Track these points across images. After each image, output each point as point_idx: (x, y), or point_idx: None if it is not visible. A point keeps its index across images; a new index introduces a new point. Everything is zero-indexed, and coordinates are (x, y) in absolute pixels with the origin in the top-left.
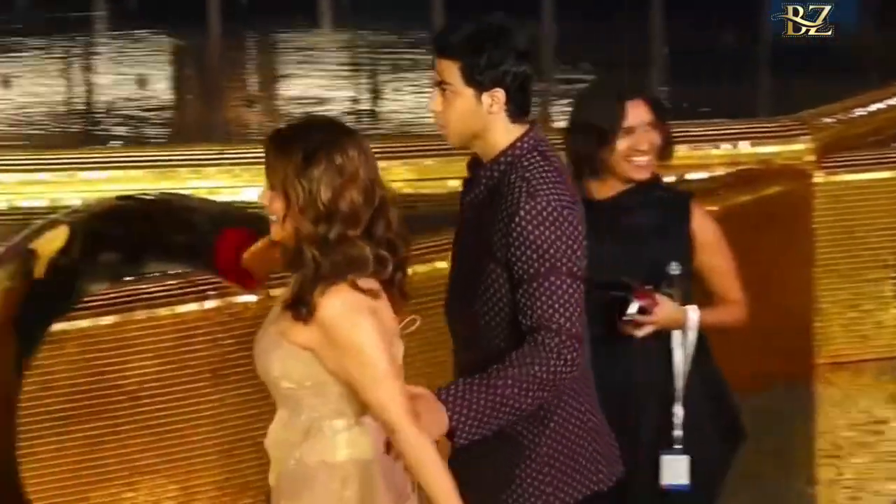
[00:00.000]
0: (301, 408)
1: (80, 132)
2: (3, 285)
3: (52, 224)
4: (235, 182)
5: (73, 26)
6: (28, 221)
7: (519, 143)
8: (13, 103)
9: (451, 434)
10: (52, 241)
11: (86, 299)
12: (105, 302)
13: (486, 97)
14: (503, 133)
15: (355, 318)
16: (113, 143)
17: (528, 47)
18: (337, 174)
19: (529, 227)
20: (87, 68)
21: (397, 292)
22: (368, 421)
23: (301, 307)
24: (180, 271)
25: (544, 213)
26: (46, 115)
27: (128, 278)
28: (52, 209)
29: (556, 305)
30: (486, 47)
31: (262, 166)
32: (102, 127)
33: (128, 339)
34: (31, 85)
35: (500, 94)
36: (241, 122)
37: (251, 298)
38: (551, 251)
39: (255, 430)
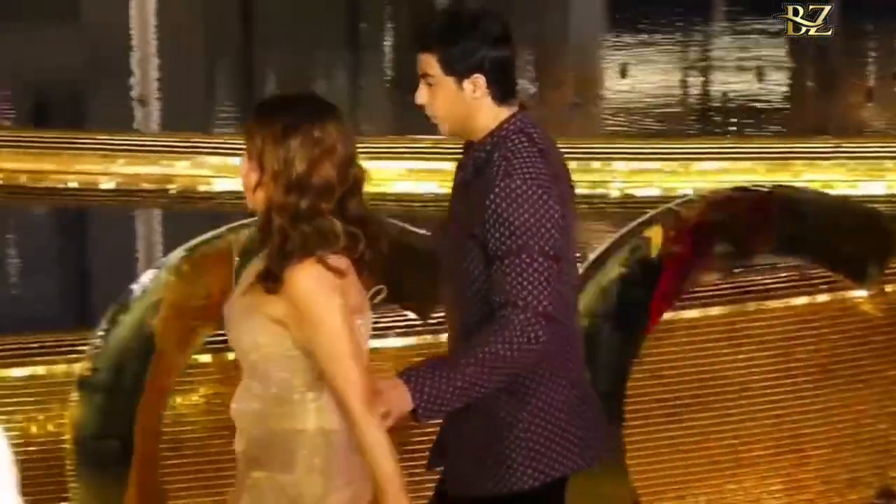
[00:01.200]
0: (270, 379)
1: (694, 123)
2: (616, 272)
3: (667, 213)
4: (851, 176)
5: (689, 15)
6: (641, 210)
7: (505, 125)
8: (630, 92)
9: (413, 412)
10: (665, 230)
11: (696, 289)
12: (716, 292)
13: (467, 84)
14: (490, 117)
15: (323, 295)
16: (727, 134)
17: (503, 32)
18: (314, 146)
19: (503, 205)
20: (702, 58)
21: (367, 270)
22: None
23: (270, 280)
24: (792, 264)
25: (518, 192)
26: (661, 104)
27: (738, 270)
28: (666, 198)
29: (525, 283)
30: (461, 36)
31: (878, 160)
32: (717, 118)
33: (736, 330)
34: (648, 74)
35: (480, 79)
36: (857, 116)
37: (862, 294)
38: (522, 229)
39: (865, 427)
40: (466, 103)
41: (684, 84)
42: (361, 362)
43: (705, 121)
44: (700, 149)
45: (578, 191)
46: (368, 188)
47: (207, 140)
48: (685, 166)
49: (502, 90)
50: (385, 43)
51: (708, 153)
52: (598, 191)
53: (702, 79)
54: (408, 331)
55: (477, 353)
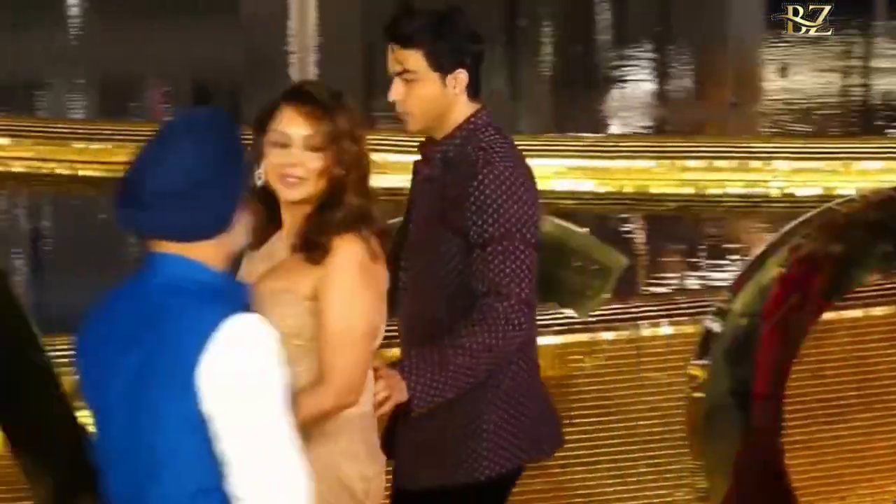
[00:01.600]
0: (315, 360)
1: (857, 122)
2: (774, 272)
3: (827, 212)
4: None
5: (850, 14)
6: (801, 209)
7: (473, 119)
8: (792, 91)
9: (408, 404)
10: (826, 229)
11: (859, 289)
12: (878, 293)
13: (450, 79)
14: (462, 111)
15: (359, 270)
16: (890, 133)
17: (475, 28)
18: (358, 124)
19: (487, 192)
20: (865, 57)
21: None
22: (369, 374)
23: (317, 249)
24: None
25: (500, 179)
26: (823, 104)
27: None
28: (826, 198)
29: (507, 270)
30: (447, 32)
31: None
32: (880, 117)
33: None
34: (809, 73)
35: (462, 75)
36: None
37: None
38: (506, 216)
39: None
40: (447, 98)
41: (845, 84)
42: (364, 349)
43: (867, 120)
44: (861, 148)
45: (735, 189)
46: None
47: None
48: (846, 166)
49: (476, 86)
50: (546, 39)
51: (869, 153)
52: (758, 190)
53: (863, 79)
54: (566, 328)
55: (464, 343)
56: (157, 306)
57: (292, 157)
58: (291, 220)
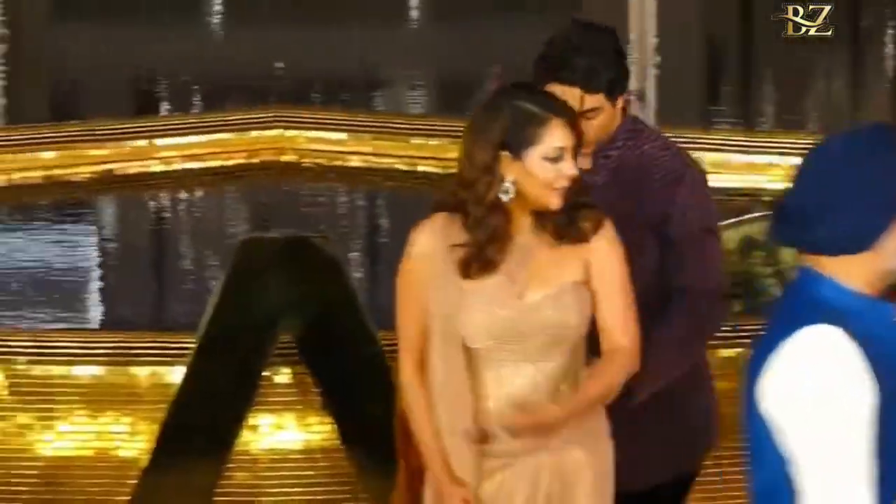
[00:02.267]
0: (580, 349)
1: None
2: None
3: None
4: None
5: None
6: None
7: (621, 125)
8: None
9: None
10: None
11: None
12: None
13: (619, 101)
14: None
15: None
16: None
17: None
18: None
19: (686, 193)
20: None
21: None
22: None
23: (588, 228)
24: None
25: (700, 180)
26: None
27: None
28: None
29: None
30: (615, 65)
31: None
32: None
33: None
34: None
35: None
36: None
37: None
38: (709, 213)
39: None
40: (616, 117)
41: None
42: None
43: None
44: None
45: None
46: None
47: (704, 136)
48: None
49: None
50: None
51: None
52: None
53: None
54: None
55: (673, 335)
56: (783, 310)
57: (567, 168)
58: (519, 224)
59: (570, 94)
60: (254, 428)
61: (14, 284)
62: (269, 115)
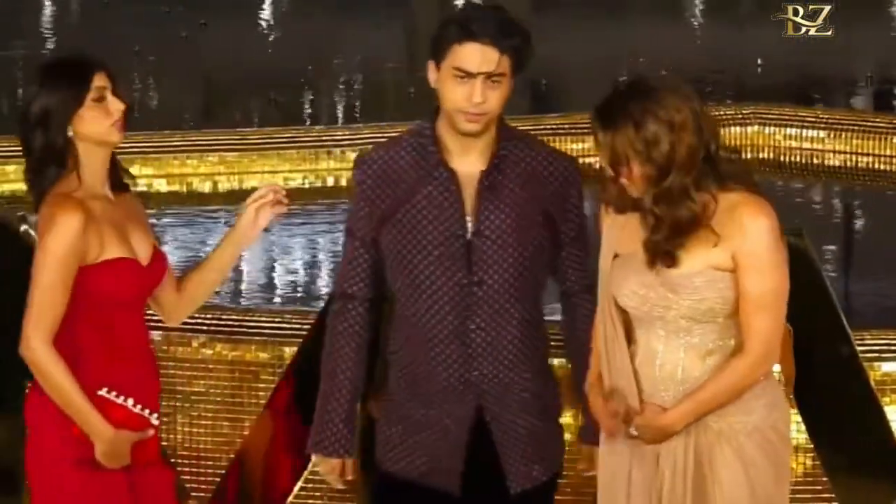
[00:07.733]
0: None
1: None
2: None
3: None
4: None
5: None
6: None
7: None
8: None
9: None
10: None
11: None
12: None
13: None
14: None
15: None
16: None
17: None
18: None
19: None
20: None
21: None
22: None
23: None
24: None
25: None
26: None
27: None
28: None
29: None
30: (525, 35)
31: None
32: None
33: None
34: None
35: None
36: None
37: None
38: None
39: None
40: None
41: None
42: None
43: None
44: None
45: None
46: None
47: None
48: None
49: None
50: None
51: None
52: None
53: None
54: None
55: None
56: None
57: None
58: None
59: (488, 54)
60: None
61: None
62: (747, 111)
